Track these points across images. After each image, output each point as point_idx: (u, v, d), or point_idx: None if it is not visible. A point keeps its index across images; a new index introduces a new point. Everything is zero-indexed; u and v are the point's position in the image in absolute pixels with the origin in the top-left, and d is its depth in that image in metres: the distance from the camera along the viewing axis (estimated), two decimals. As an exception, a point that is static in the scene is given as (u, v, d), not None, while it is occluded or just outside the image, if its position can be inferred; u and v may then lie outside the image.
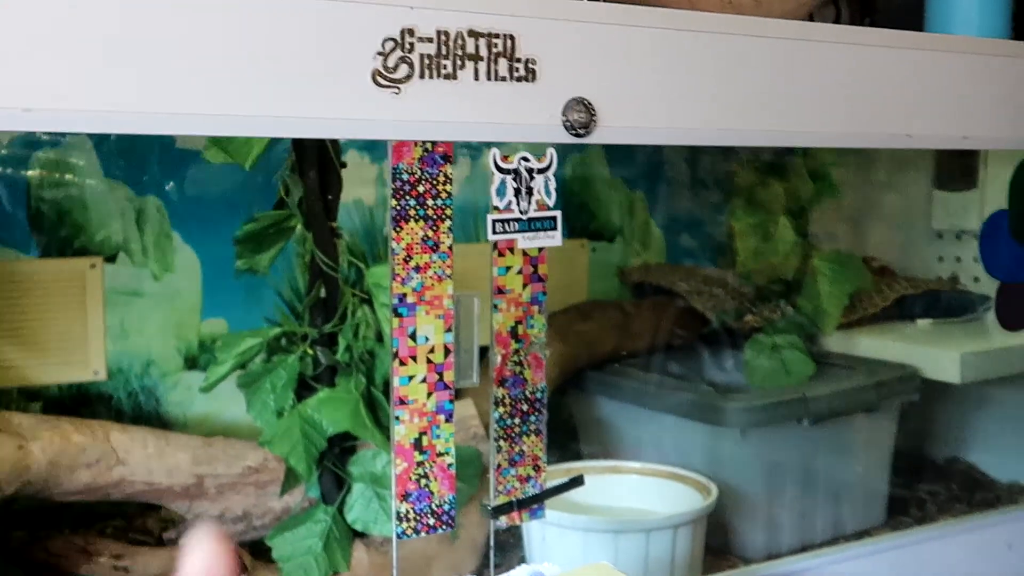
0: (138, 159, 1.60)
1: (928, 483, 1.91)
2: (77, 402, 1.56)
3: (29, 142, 1.52)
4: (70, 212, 1.56)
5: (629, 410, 1.77)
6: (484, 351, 1.16)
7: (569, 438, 1.85)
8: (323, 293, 1.38)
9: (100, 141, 1.56)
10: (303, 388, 1.39)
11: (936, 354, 1.80)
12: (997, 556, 1.65)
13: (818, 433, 1.66)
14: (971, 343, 1.84)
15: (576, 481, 1.27)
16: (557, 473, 1.32)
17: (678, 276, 1.98)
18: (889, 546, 1.56)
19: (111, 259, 1.58)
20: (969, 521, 1.66)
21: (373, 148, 1.73)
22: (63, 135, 1.53)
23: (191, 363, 1.66)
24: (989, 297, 1.95)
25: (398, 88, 1.03)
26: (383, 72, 1.02)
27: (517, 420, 1.16)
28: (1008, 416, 1.94)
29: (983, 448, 1.99)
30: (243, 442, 1.44)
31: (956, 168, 2.01)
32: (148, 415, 1.61)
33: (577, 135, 1.13)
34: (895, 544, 1.57)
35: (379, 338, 1.39)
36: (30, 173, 1.53)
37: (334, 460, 1.38)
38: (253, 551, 1.38)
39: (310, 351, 1.38)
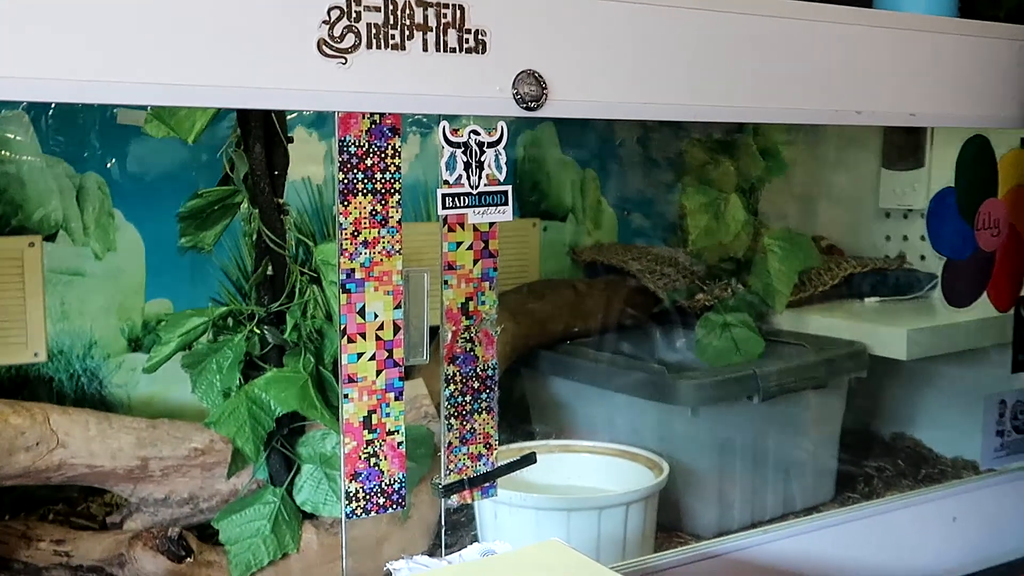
0: (78, 135, 1.56)
1: (875, 459, 1.94)
2: (16, 384, 1.52)
3: (-38, 116, 1.47)
4: (6, 189, 1.51)
5: (581, 389, 1.76)
6: (435, 330, 1.15)
7: (521, 418, 1.84)
8: (270, 271, 1.35)
9: (38, 116, 1.52)
10: (250, 368, 1.36)
11: (883, 331, 1.82)
12: (942, 529, 1.68)
13: (768, 410, 1.67)
14: (917, 320, 1.86)
15: (528, 459, 1.26)
16: (509, 453, 1.31)
17: (630, 255, 1.98)
18: (837, 521, 1.58)
19: (51, 238, 1.54)
20: (915, 496, 1.69)
21: (321, 124, 1.70)
22: (-2, 109, 1.48)
23: (135, 344, 1.62)
24: (935, 275, 1.98)
25: (345, 58, 1.01)
26: (329, 42, 1.00)
27: (468, 398, 1.15)
28: (953, 392, 1.97)
29: (928, 424, 2.02)
30: (189, 424, 1.41)
31: (903, 147, 2.03)
32: (91, 397, 1.58)
33: (528, 108, 1.12)
34: (843, 519, 1.58)
35: (328, 317, 1.37)
36: (-36, 149, 1.48)
37: (282, 441, 1.36)
38: (200, 534, 1.36)
39: (257, 330, 1.36)
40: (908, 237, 2.06)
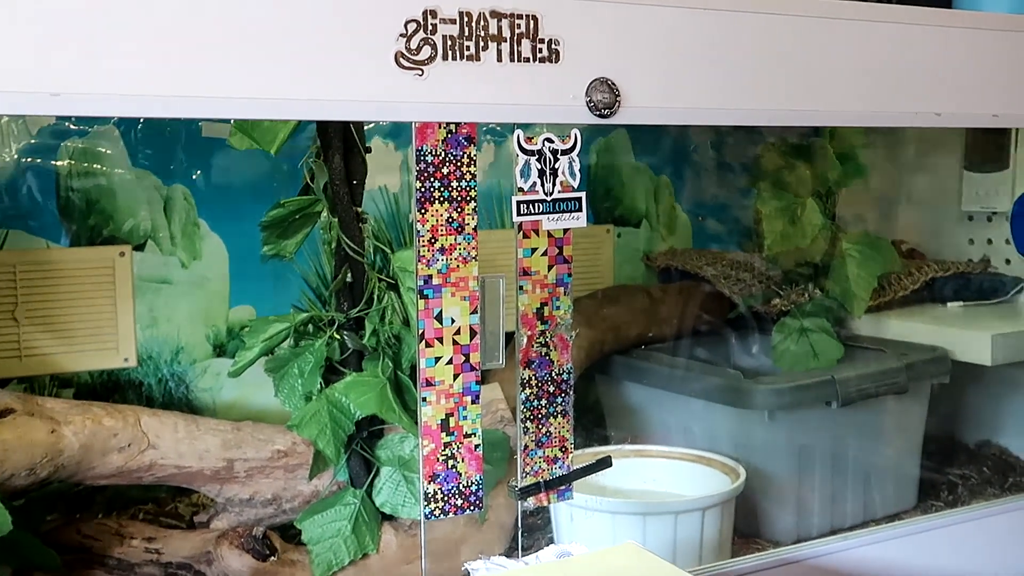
0: (165, 148, 1.61)
1: (959, 466, 1.90)
2: (108, 388, 1.58)
3: (58, 131, 1.54)
4: (99, 201, 1.57)
5: (656, 394, 1.76)
6: (510, 335, 1.17)
7: (596, 422, 1.85)
8: (349, 278, 1.39)
9: (127, 130, 1.58)
10: (330, 372, 1.39)
11: (967, 336, 1.79)
12: (1030, 539, 1.64)
13: (847, 416, 1.65)
14: (1002, 325, 1.82)
15: (603, 463, 1.27)
16: (584, 458, 1.31)
17: (704, 260, 1.97)
18: (920, 529, 1.55)
19: (140, 247, 1.60)
20: (1001, 504, 1.65)
21: (397, 134, 1.74)
22: (91, 124, 1.54)
23: (219, 350, 1.67)
24: (1021, 279, 1.93)
25: (421, 70, 1.03)
26: (406, 54, 1.02)
27: (544, 401, 1.16)
28: (1040, 399, 1.92)
29: (1015, 431, 1.97)
30: (272, 426, 1.45)
31: (986, 149, 1.98)
32: (178, 401, 1.63)
33: (601, 116, 1.13)
34: (926, 527, 1.56)
35: (405, 322, 1.39)
36: (59, 163, 1.55)
37: (362, 443, 1.39)
38: (283, 534, 1.39)
39: (337, 336, 1.39)
40: (992, 240, 2.02)
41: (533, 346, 1.15)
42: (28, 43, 0.87)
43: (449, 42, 1.03)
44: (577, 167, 1.13)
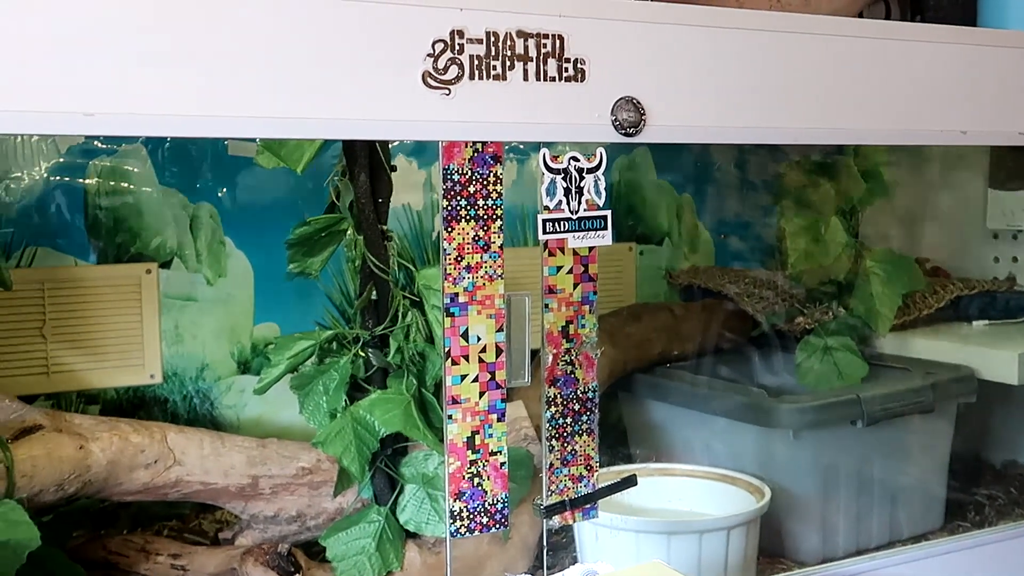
0: (191, 166, 1.63)
1: (986, 486, 1.88)
2: (134, 405, 1.59)
3: (86, 150, 1.55)
4: (126, 219, 1.59)
5: (679, 412, 1.76)
6: (535, 353, 1.17)
7: (619, 441, 1.85)
8: (374, 296, 1.39)
9: (154, 149, 1.60)
10: (355, 390, 1.40)
11: (993, 355, 1.77)
12: (1059, 560, 1.62)
13: (872, 435, 1.64)
14: (1029, 344, 1.80)
15: (628, 481, 1.27)
16: (608, 476, 1.31)
17: (727, 278, 1.97)
18: (947, 550, 1.54)
19: (166, 265, 1.61)
20: (1029, 525, 1.63)
21: (421, 152, 1.75)
22: (119, 143, 1.56)
23: (244, 366, 1.68)
24: (1048, 297, 1.92)
25: (448, 89, 1.04)
26: (433, 74, 1.03)
27: (569, 420, 1.16)
28: (1069, 419, 1.91)
29: (1043, 451, 1.95)
30: (297, 443, 1.46)
31: (1012, 166, 1.98)
32: (202, 418, 1.64)
33: (627, 134, 1.14)
34: (953, 548, 1.54)
35: (429, 340, 1.40)
36: (88, 181, 1.56)
37: (386, 461, 1.39)
38: (307, 551, 1.40)
39: (362, 353, 1.39)
40: (1018, 258, 2.01)
41: (558, 364, 1.15)
42: (60, 63, 0.89)
43: (476, 62, 1.04)
44: (602, 185, 1.13)
